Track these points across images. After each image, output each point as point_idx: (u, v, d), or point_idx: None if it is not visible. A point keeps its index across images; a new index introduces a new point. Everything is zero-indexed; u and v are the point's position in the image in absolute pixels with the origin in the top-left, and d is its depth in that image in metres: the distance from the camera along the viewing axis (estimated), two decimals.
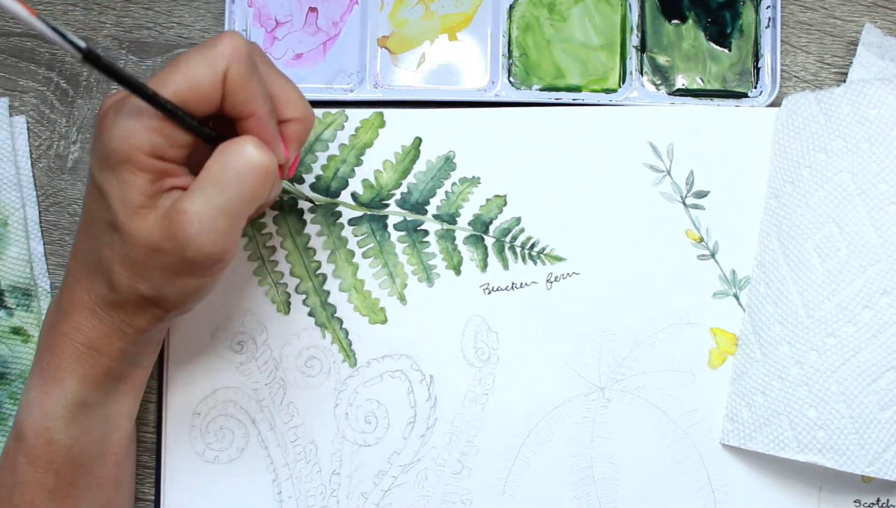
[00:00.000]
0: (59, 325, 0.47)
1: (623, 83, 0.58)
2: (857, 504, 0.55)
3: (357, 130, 0.58)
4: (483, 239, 0.57)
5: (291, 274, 0.57)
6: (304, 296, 0.57)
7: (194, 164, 0.45)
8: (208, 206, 0.43)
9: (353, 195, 0.57)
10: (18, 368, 0.57)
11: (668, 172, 0.57)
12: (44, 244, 0.58)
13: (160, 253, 0.43)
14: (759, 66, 0.58)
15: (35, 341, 0.57)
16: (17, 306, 0.57)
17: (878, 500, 0.55)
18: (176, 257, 0.43)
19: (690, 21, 0.59)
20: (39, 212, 0.59)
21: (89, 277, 0.46)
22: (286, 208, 0.57)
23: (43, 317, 0.57)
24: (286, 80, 0.47)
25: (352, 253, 0.57)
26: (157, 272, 0.44)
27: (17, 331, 0.57)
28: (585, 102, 0.58)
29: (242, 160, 0.43)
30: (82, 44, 0.39)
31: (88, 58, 0.40)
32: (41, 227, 0.59)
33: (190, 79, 0.42)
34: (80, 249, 0.47)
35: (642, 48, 0.58)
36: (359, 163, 0.57)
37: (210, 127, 0.45)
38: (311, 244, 0.57)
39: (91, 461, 0.49)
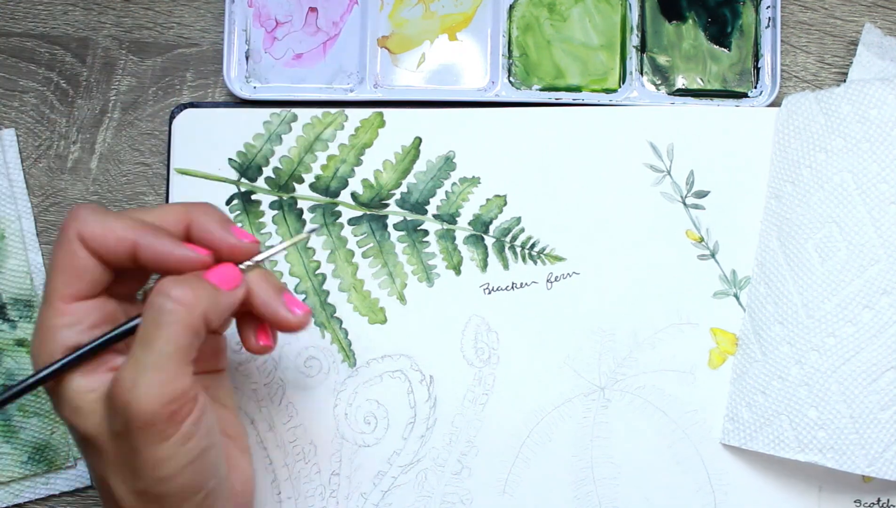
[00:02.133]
0: None
1: (623, 83, 0.58)
2: (858, 504, 0.55)
3: (357, 129, 0.58)
4: (483, 239, 0.57)
5: (290, 274, 0.57)
6: (303, 296, 0.57)
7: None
8: (137, 367, 0.40)
9: (353, 195, 0.57)
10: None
11: (668, 173, 0.57)
12: (42, 247, 0.58)
13: (122, 436, 0.41)
14: (759, 66, 0.58)
15: None
16: (20, 317, 0.57)
17: (879, 500, 0.55)
18: (130, 430, 0.40)
19: (690, 21, 0.59)
20: (35, 220, 0.59)
21: (104, 499, 0.44)
22: (286, 208, 0.57)
23: None
24: (154, 207, 0.46)
25: (351, 253, 0.57)
26: (132, 459, 0.41)
27: (21, 343, 0.57)
28: (585, 102, 0.58)
29: (157, 306, 0.41)
30: None
31: None
32: (40, 229, 0.59)
33: (57, 267, 0.43)
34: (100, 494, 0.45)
35: (642, 48, 0.58)
36: (359, 163, 0.57)
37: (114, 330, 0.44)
38: (310, 244, 0.57)
39: None
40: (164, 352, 0.40)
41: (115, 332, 0.43)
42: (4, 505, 0.57)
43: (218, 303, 0.42)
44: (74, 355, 0.42)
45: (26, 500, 0.57)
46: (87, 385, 0.42)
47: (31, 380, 0.42)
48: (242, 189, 0.57)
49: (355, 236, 0.57)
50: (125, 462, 0.41)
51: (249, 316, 0.46)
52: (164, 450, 0.41)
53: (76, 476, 0.57)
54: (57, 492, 0.57)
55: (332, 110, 0.58)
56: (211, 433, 0.43)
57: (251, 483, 0.49)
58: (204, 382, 0.46)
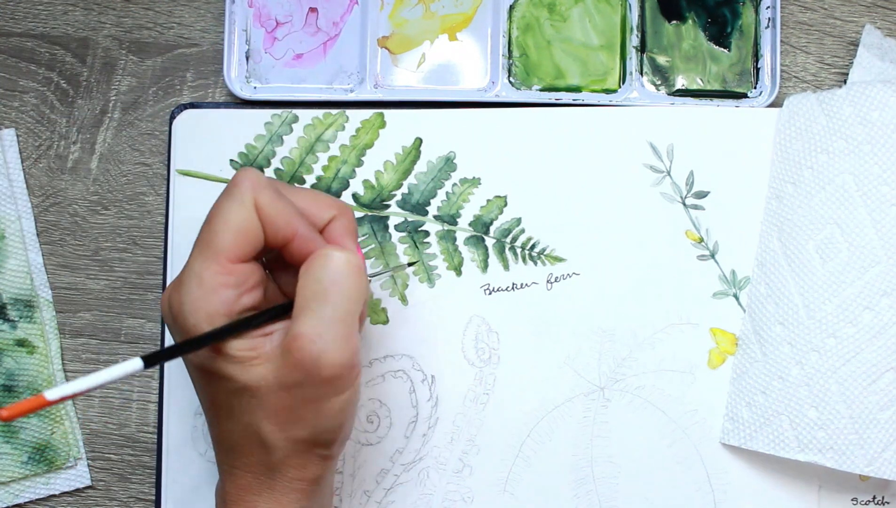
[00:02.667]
0: None
1: (623, 83, 0.58)
2: (854, 502, 0.56)
3: (358, 130, 0.58)
4: (484, 240, 0.57)
5: None
6: None
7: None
8: (320, 320, 0.42)
9: (354, 196, 0.57)
10: (25, 380, 0.57)
11: (668, 173, 0.57)
12: (42, 247, 0.58)
13: (297, 387, 0.43)
14: (758, 66, 0.58)
15: (41, 352, 0.57)
16: (21, 318, 0.57)
17: (875, 497, 0.56)
18: (313, 383, 0.43)
19: (690, 21, 0.59)
20: (35, 220, 0.59)
21: (242, 455, 0.45)
22: None
23: (46, 327, 0.57)
24: (306, 191, 0.48)
25: None
26: (303, 409, 0.43)
27: (21, 343, 0.57)
28: (585, 102, 0.58)
29: (331, 265, 0.43)
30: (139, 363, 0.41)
31: (148, 362, 0.41)
32: (41, 229, 0.59)
33: (230, 225, 0.43)
34: (219, 437, 0.46)
35: (642, 48, 0.59)
36: (359, 163, 0.57)
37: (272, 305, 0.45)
38: None
39: None
40: (344, 306, 0.43)
41: (282, 306, 0.45)
42: (4, 505, 0.57)
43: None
44: (248, 321, 0.43)
45: (26, 500, 0.57)
46: (245, 345, 0.43)
47: (198, 340, 0.43)
48: None
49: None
50: (292, 411, 0.43)
51: None
52: (340, 402, 0.44)
53: (76, 476, 0.57)
54: (57, 492, 0.57)
55: (333, 111, 0.58)
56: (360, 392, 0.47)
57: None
58: None
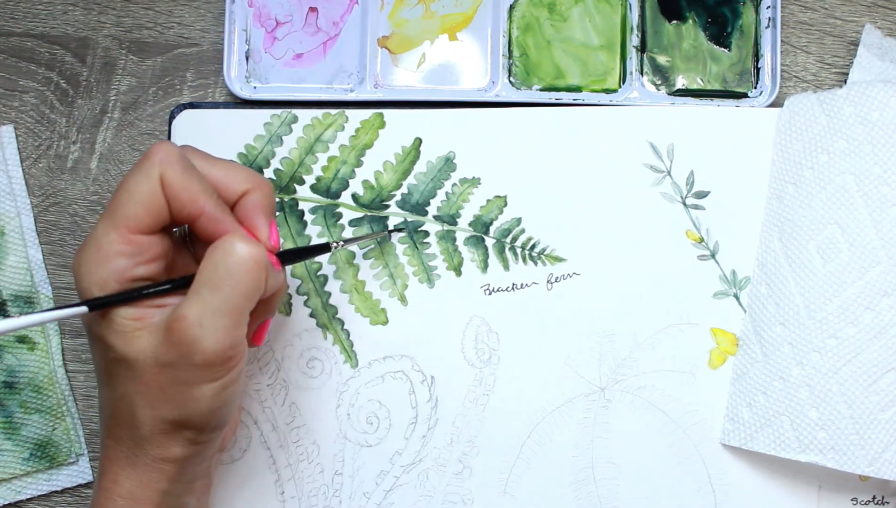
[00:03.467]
0: (100, 482, 0.46)
1: (623, 83, 0.58)
2: (854, 502, 0.56)
3: (357, 130, 0.57)
4: (483, 240, 0.57)
5: (293, 275, 0.57)
6: (305, 297, 0.57)
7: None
8: (206, 307, 0.43)
9: (354, 196, 0.57)
10: (26, 376, 0.57)
11: (669, 173, 0.57)
12: (42, 246, 0.58)
13: (170, 367, 0.43)
14: (759, 66, 0.58)
15: (41, 348, 0.57)
16: (21, 314, 0.57)
17: (874, 497, 0.56)
18: (185, 365, 0.43)
19: (690, 21, 0.59)
20: (35, 219, 0.59)
21: (115, 425, 0.46)
22: (287, 209, 0.57)
23: (47, 325, 0.58)
24: (223, 162, 0.48)
25: (353, 254, 0.57)
26: (173, 390, 0.44)
27: (22, 340, 0.57)
28: (585, 102, 0.58)
29: (231, 256, 0.43)
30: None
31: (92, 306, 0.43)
32: (41, 229, 0.59)
33: (133, 197, 0.44)
34: (100, 404, 0.47)
35: (642, 48, 0.58)
36: (359, 164, 0.57)
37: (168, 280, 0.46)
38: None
39: None
40: (233, 300, 0.43)
41: (178, 281, 0.45)
42: (6, 502, 0.57)
43: (271, 276, 0.45)
44: (136, 292, 0.44)
45: (28, 497, 0.57)
46: (133, 314, 0.44)
47: (83, 306, 0.43)
48: None
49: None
50: (163, 390, 0.44)
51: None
52: (211, 389, 0.44)
53: (78, 472, 0.57)
54: (59, 489, 0.57)
55: (333, 111, 0.58)
56: (242, 383, 0.47)
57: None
58: None
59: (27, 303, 0.57)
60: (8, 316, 0.57)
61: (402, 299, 0.57)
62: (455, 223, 0.57)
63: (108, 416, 0.46)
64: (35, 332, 0.57)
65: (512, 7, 0.59)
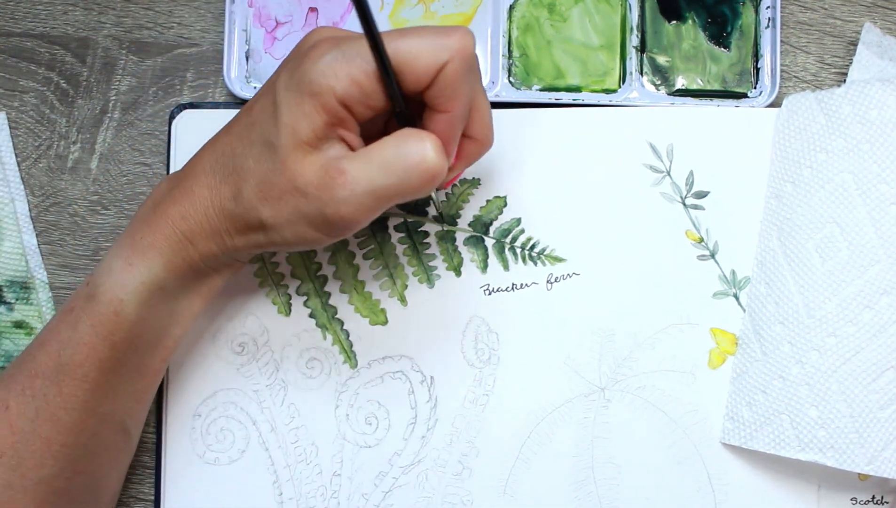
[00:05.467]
0: (166, 206, 0.47)
1: (623, 83, 0.58)
2: (854, 502, 0.56)
3: None
4: (483, 240, 0.57)
5: (292, 276, 0.57)
6: (304, 298, 0.57)
7: (366, 136, 0.45)
8: (368, 181, 0.42)
9: None
10: None
11: (668, 173, 0.57)
12: (42, 246, 0.58)
13: (301, 195, 0.43)
14: (758, 66, 0.58)
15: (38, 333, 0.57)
16: (17, 300, 0.57)
17: (874, 497, 0.56)
18: (314, 206, 0.43)
19: (690, 21, 0.59)
20: (31, 206, 0.59)
21: (220, 177, 0.46)
22: None
23: (43, 309, 0.57)
24: (486, 99, 0.47)
25: (352, 255, 0.57)
26: (287, 208, 0.44)
27: (19, 325, 0.57)
28: (585, 102, 0.58)
29: (418, 156, 0.43)
30: None
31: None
32: (40, 229, 0.59)
33: (412, 54, 0.42)
34: (224, 145, 0.47)
35: (642, 48, 0.58)
36: None
37: (406, 105, 0.44)
38: None
39: (146, 345, 0.49)
40: (392, 192, 0.43)
41: (400, 94, 0.43)
42: None
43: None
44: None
45: None
46: (320, 129, 0.43)
47: (377, 29, 0.41)
48: None
49: (356, 237, 0.57)
50: (281, 199, 0.44)
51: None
52: (309, 233, 0.45)
53: None
54: None
55: None
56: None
57: None
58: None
59: (23, 288, 0.57)
60: (5, 302, 0.57)
61: (402, 300, 0.57)
62: (455, 224, 0.57)
63: (221, 164, 0.46)
64: (32, 317, 0.57)
65: (512, 7, 0.59)
